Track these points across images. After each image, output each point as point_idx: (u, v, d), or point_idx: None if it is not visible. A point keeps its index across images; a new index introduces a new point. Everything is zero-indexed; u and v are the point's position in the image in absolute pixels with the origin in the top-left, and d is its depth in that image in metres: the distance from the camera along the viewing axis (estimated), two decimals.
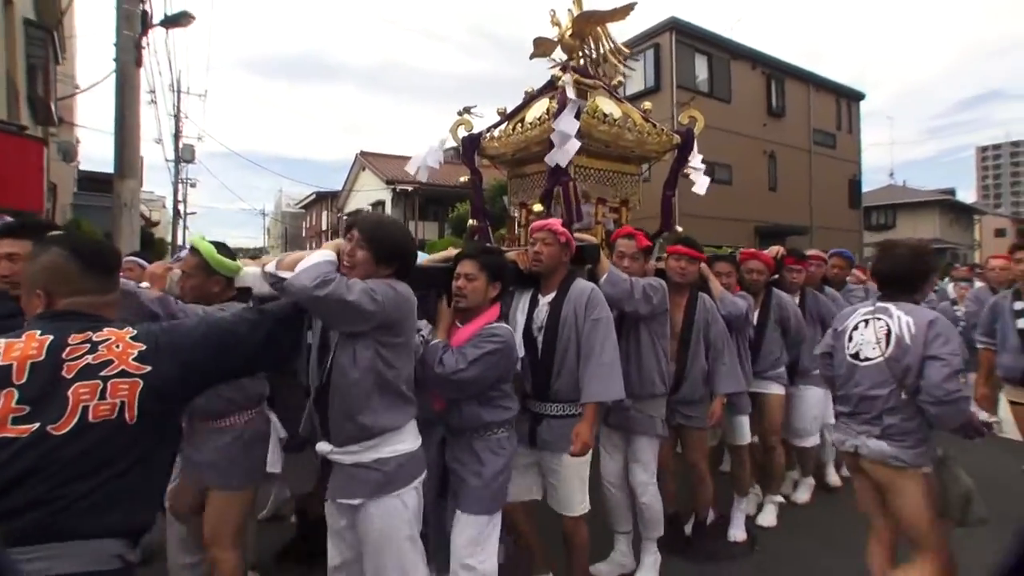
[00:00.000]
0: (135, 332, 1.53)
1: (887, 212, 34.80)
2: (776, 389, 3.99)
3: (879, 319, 2.61)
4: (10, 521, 1.27)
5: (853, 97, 25.81)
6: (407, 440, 2.18)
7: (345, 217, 32.18)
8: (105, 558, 1.36)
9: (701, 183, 4.14)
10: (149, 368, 1.47)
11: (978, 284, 6.45)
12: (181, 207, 23.68)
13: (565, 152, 3.37)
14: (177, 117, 20.53)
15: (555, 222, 2.91)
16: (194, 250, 2.55)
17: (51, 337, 1.42)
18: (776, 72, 22.02)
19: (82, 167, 17.70)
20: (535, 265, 2.86)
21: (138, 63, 8.00)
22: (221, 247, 2.59)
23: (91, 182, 16.28)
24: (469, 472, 2.48)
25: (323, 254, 2.06)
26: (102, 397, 1.39)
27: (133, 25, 7.88)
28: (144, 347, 1.50)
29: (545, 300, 2.85)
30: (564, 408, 2.75)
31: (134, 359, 1.46)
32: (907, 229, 32.62)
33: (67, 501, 1.31)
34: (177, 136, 20.49)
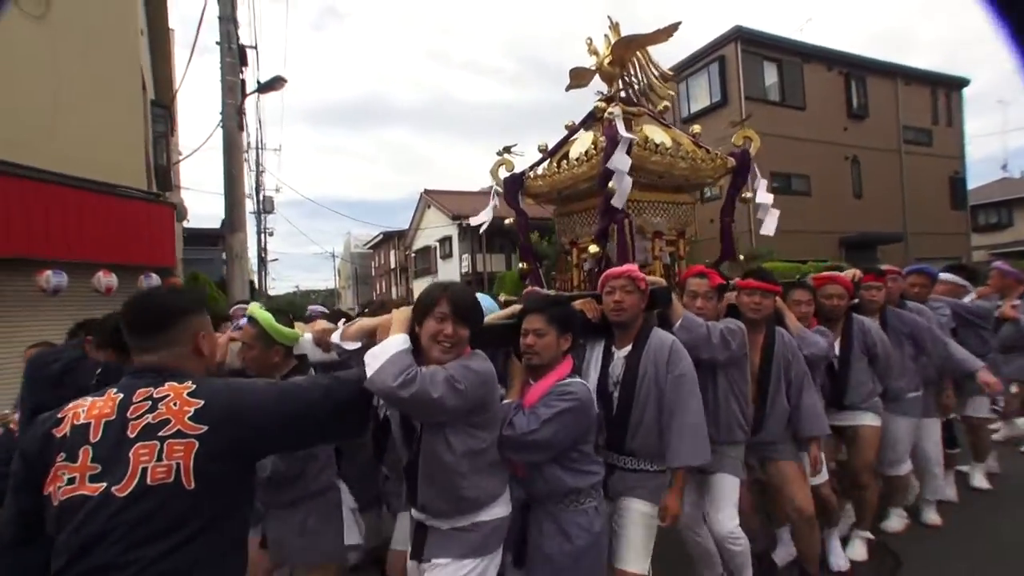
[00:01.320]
0: (194, 387, 1.44)
1: (1000, 210, 29.36)
2: (871, 420, 3.56)
3: None
4: None
5: (953, 85, 23.12)
6: (502, 504, 2.12)
7: (413, 255, 33.32)
8: None
9: (770, 221, 3.84)
10: (206, 428, 1.38)
11: None
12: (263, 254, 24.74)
13: (622, 192, 3.18)
14: (258, 172, 21.67)
15: (633, 268, 2.69)
16: (252, 320, 2.46)
17: (121, 395, 1.42)
18: (856, 70, 20.34)
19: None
20: (617, 316, 2.65)
21: (240, 127, 8.69)
22: (279, 315, 2.51)
23: (193, 238, 17.52)
24: (554, 546, 2.26)
25: (397, 343, 1.91)
26: (159, 459, 1.33)
27: (235, 94, 8.58)
28: (202, 404, 1.41)
29: (621, 354, 2.66)
30: (639, 463, 2.59)
31: (190, 418, 1.38)
32: None
33: (138, 567, 1.27)
34: (258, 189, 21.52)
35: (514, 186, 3.89)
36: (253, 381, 1.78)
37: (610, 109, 3.36)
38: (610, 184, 3.16)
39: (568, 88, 3.89)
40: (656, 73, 3.88)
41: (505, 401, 2.35)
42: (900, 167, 21.06)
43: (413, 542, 2.11)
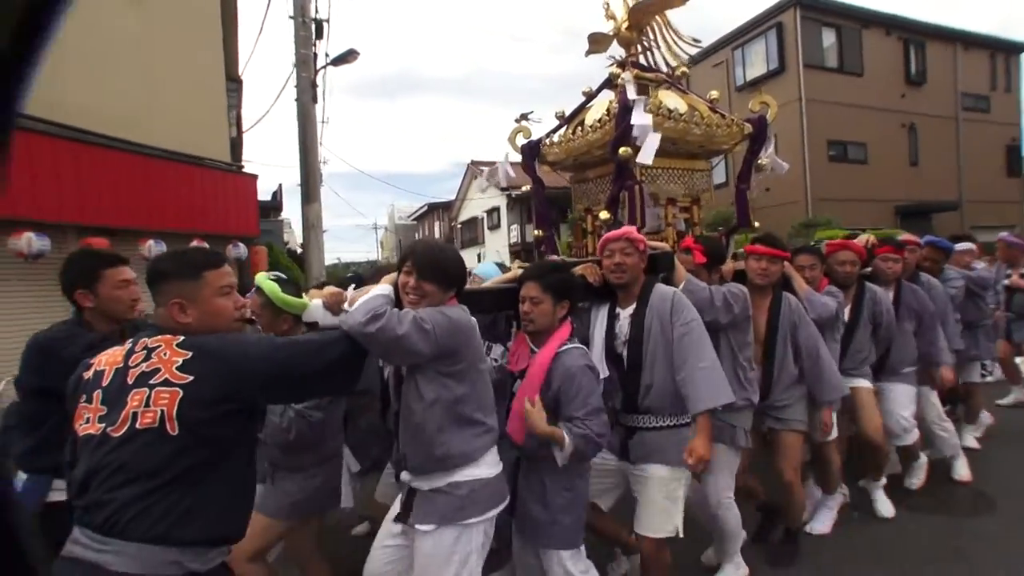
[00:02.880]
0: (182, 339, 1.50)
1: None
2: (863, 383, 3.54)
3: None
4: (91, 514, 1.36)
5: (1012, 50, 21.83)
6: (483, 466, 2.04)
7: (459, 226, 32.72)
8: (160, 564, 1.37)
9: (778, 165, 3.81)
10: (191, 378, 1.43)
11: None
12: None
13: (648, 149, 3.10)
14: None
15: (631, 230, 2.65)
16: (259, 290, 2.46)
17: (129, 344, 1.53)
18: (914, 36, 19.33)
19: None
20: (617, 278, 2.62)
21: (314, 100, 8.56)
22: (286, 284, 2.49)
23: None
24: (537, 507, 2.32)
25: (379, 289, 1.99)
26: (147, 405, 1.40)
27: (308, 68, 8.53)
28: (189, 355, 1.46)
29: (626, 313, 2.63)
30: (657, 420, 2.53)
31: (178, 368, 1.44)
32: None
33: (118, 504, 1.34)
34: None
35: (531, 153, 3.84)
36: (248, 335, 1.86)
37: (622, 75, 3.28)
38: (636, 141, 3.10)
39: (587, 54, 3.79)
40: (675, 38, 3.74)
41: (495, 360, 2.41)
42: (956, 135, 20.06)
43: (402, 505, 2.08)
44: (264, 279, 2.46)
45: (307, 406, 2.28)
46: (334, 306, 2.37)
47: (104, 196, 7.15)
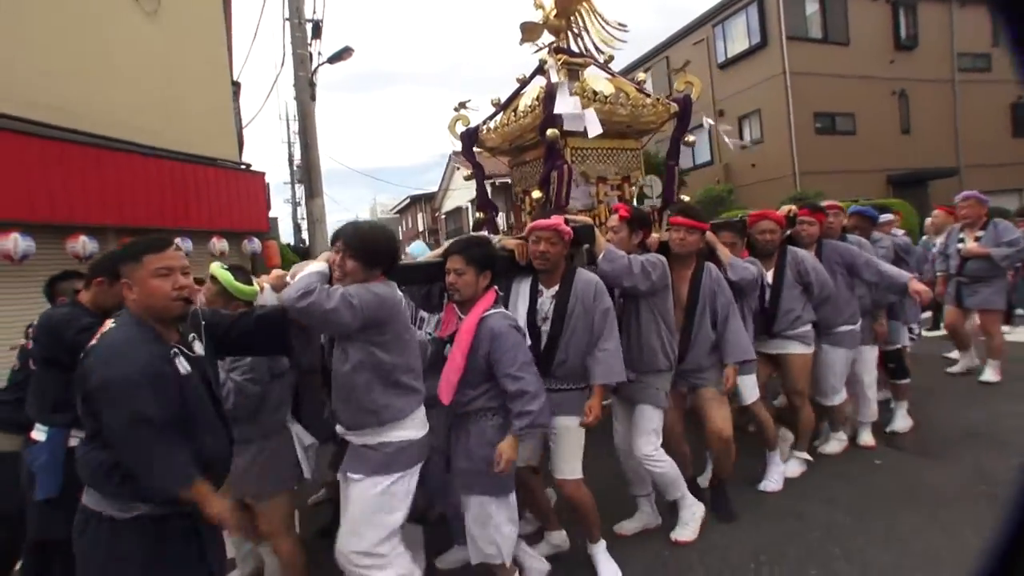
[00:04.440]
0: (112, 322, 1.72)
1: None
2: (798, 348, 3.55)
3: None
4: None
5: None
6: (410, 428, 2.20)
7: (443, 216, 32.32)
8: (98, 504, 1.65)
9: (733, 141, 3.98)
10: None
11: None
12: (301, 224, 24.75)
13: (592, 123, 3.21)
14: (289, 142, 21.59)
15: (558, 221, 2.71)
16: (213, 279, 2.55)
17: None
18: None
19: None
20: (541, 265, 2.72)
21: (313, 97, 8.61)
22: (238, 272, 2.58)
23: None
24: (463, 459, 2.47)
25: (314, 266, 2.13)
26: None
27: (305, 67, 8.54)
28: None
29: (549, 293, 2.75)
30: (564, 384, 2.72)
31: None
32: None
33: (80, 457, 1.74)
34: (291, 160, 21.20)
35: (469, 140, 3.94)
36: None
37: (549, 60, 3.35)
38: (562, 124, 3.20)
39: (521, 42, 3.79)
40: (602, 24, 3.77)
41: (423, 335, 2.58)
42: (953, 98, 18.64)
43: (336, 455, 2.28)
44: (218, 268, 2.55)
45: (245, 379, 2.37)
46: (279, 287, 2.45)
47: (138, 199, 7.52)
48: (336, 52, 9.10)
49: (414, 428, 2.21)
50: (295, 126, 29.80)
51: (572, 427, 2.67)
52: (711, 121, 3.75)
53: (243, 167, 9.94)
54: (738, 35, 17.98)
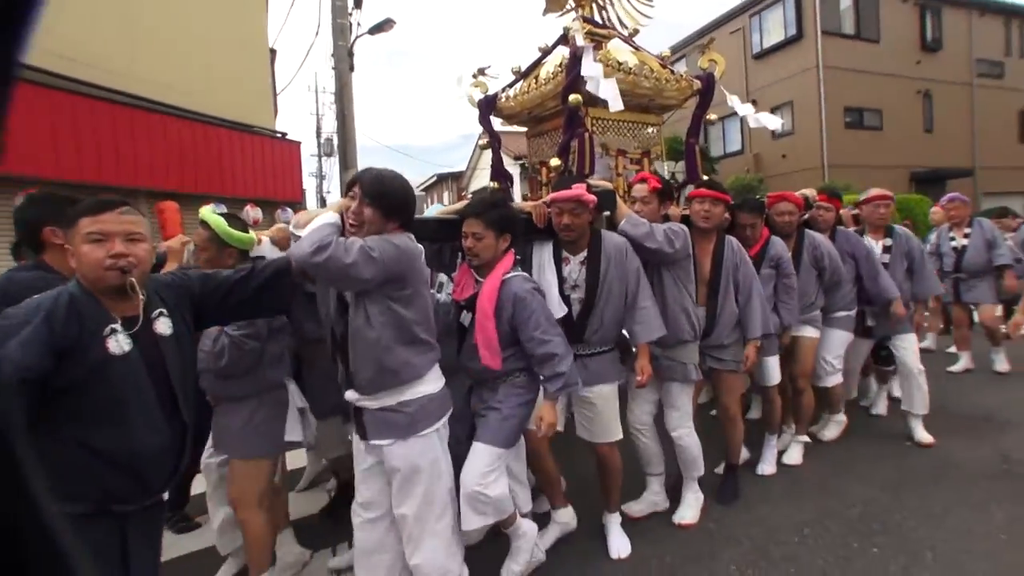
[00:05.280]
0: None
1: None
2: (811, 332, 3.58)
3: None
4: None
5: None
6: (429, 382, 2.08)
7: (470, 195, 31.46)
8: None
9: (769, 120, 3.70)
10: None
11: None
12: (326, 197, 24.09)
13: (611, 95, 3.07)
14: (318, 116, 21.20)
15: (581, 191, 2.59)
16: (205, 224, 2.34)
17: None
18: (931, 1, 18.21)
19: None
20: (567, 235, 2.64)
21: (351, 68, 8.36)
22: (232, 219, 2.40)
23: None
24: (489, 408, 2.37)
25: (325, 217, 1.92)
26: None
27: (345, 36, 8.30)
28: None
29: (578, 259, 2.67)
30: (599, 348, 2.67)
31: None
32: None
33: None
34: (319, 132, 20.92)
35: (487, 108, 3.79)
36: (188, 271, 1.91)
37: (573, 25, 3.22)
38: (587, 87, 3.08)
39: (544, 12, 3.74)
40: None
41: (443, 297, 2.49)
42: (971, 101, 18.99)
43: (355, 424, 2.13)
44: (209, 213, 2.36)
45: (243, 334, 2.23)
46: (282, 242, 2.40)
47: (171, 163, 7.28)
48: (377, 23, 8.90)
49: (432, 382, 2.09)
50: (324, 98, 28.26)
51: (606, 394, 2.64)
52: (745, 109, 3.57)
53: (279, 135, 9.71)
54: (774, 26, 17.93)
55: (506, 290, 2.29)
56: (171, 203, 6.90)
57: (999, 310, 5.29)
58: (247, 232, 2.41)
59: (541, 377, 2.34)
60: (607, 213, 2.83)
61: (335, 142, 20.30)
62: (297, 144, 10.23)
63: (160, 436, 1.55)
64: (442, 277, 2.73)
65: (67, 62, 5.90)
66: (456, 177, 34.19)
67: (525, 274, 2.43)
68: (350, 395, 2.08)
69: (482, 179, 28.80)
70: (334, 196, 21.99)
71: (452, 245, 2.65)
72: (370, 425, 2.06)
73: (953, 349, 5.70)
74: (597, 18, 3.66)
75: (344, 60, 8.22)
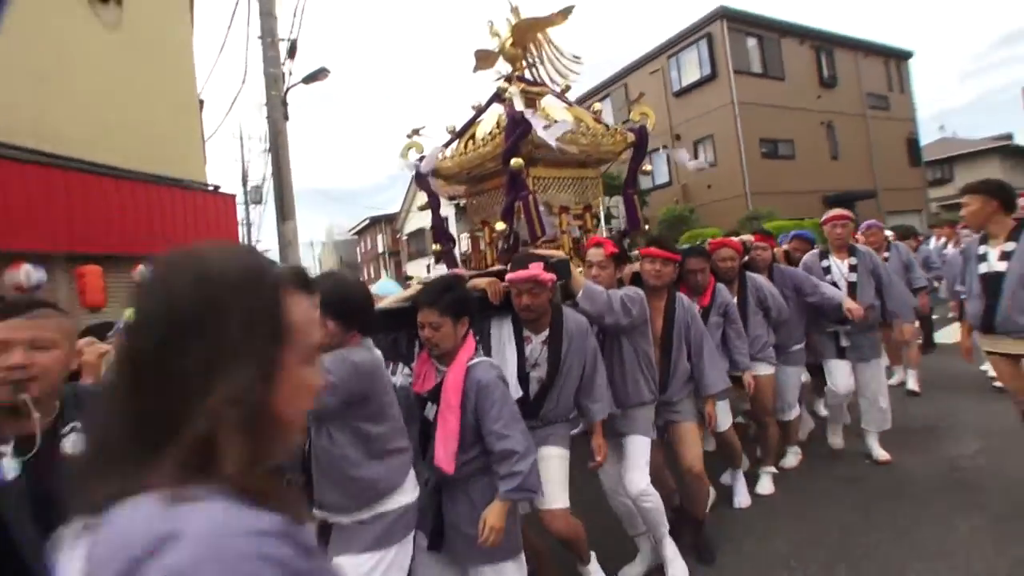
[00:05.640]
0: None
1: (943, 166, 30.20)
2: (765, 370, 3.63)
3: None
4: None
5: (901, 56, 23.69)
6: (406, 492, 1.93)
7: (405, 238, 30.86)
8: None
9: (690, 161, 3.83)
10: None
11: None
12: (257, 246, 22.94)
13: (560, 129, 3.04)
14: (243, 162, 20.64)
15: (538, 271, 2.48)
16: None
17: None
18: (824, 44, 20.41)
19: None
20: (527, 315, 2.55)
21: (286, 117, 8.19)
22: None
23: None
24: (469, 523, 2.12)
25: None
26: None
27: (278, 86, 8.14)
28: None
29: (539, 339, 2.58)
30: (551, 421, 2.61)
31: None
32: (967, 181, 27.47)
33: None
34: (244, 180, 19.98)
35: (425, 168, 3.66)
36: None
37: (509, 88, 3.20)
38: (549, 139, 2.99)
39: (475, 70, 3.71)
40: (558, 55, 3.69)
41: (400, 379, 2.31)
42: (867, 130, 21.33)
43: (317, 538, 1.90)
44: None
45: None
46: None
47: (95, 223, 6.82)
48: (312, 73, 8.74)
49: (409, 491, 1.93)
50: (249, 144, 27.83)
51: (556, 455, 2.51)
52: (669, 149, 3.85)
53: (211, 188, 9.28)
54: (691, 66, 19.13)
55: (470, 378, 2.14)
56: (93, 267, 6.60)
57: (916, 326, 5.53)
58: None
59: (497, 474, 2.13)
60: (561, 282, 2.73)
61: (264, 189, 19.89)
62: (231, 197, 9.88)
63: None
64: (400, 368, 2.59)
65: None
66: (390, 219, 33.78)
67: (491, 360, 2.31)
68: (318, 513, 1.89)
69: (416, 220, 28.62)
70: (263, 245, 21.04)
71: (408, 334, 2.50)
72: (337, 540, 1.86)
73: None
74: (528, 76, 3.65)
75: (278, 109, 8.05)
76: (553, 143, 2.99)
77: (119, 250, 6.98)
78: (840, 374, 3.88)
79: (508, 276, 2.55)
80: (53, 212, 6.34)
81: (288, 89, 8.23)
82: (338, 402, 1.71)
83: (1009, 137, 32.43)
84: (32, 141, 6.23)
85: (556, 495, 2.45)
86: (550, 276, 2.50)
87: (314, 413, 1.72)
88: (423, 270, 25.04)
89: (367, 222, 38.22)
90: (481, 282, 2.65)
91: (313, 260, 43.69)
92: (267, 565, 0.52)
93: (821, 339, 3.97)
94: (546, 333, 2.56)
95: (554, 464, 2.50)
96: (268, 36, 8.02)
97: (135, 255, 6.94)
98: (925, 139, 25.61)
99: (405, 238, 31.21)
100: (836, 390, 3.90)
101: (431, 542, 2.19)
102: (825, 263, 3.92)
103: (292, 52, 8.44)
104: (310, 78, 8.74)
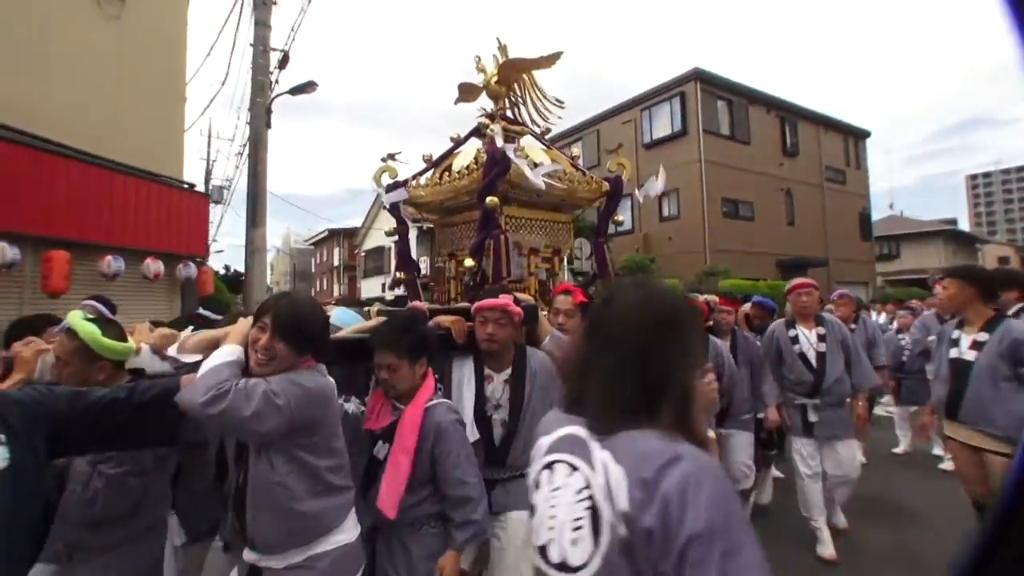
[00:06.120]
0: None
1: (891, 243, 31.53)
2: (708, 432, 3.38)
3: None
4: None
5: (860, 135, 25.07)
6: (344, 531, 1.78)
7: (363, 254, 30.30)
8: None
9: (654, 187, 3.63)
10: None
11: (927, 311, 6.13)
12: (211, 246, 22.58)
13: (543, 172, 3.01)
14: (208, 162, 20.14)
15: (507, 301, 2.42)
16: (71, 333, 1.84)
17: None
18: (789, 115, 21.48)
19: None
20: (490, 347, 2.43)
21: (267, 125, 8.23)
22: (108, 324, 1.94)
23: None
24: (401, 570, 2.01)
25: (225, 353, 1.63)
26: None
27: (264, 93, 8.21)
28: None
29: (501, 377, 2.45)
30: (518, 471, 2.35)
31: None
32: (912, 259, 30.37)
33: None
34: (207, 179, 19.52)
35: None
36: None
37: (491, 126, 3.15)
38: (531, 182, 2.95)
39: (456, 102, 3.64)
40: (541, 96, 3.68)
41: (352, 407, 2.16)
42: (823, 201, 22.26)
43: None
44: (78, 318, 1.87)
45: (123, 471, 1.79)
46: (162, 350, 1.97)
47: (67, 208, 6.66)
48: (300, 85, 8.81)
49: (348, 531, 1.79)
50: (218, 144, 26.81)
51: (525, 521, 2.32)
52: (650, 187, 3.55)
53: (186, 186, 9.22)
54: (662, 121, 19.73)
55: (428, 419, 2.03)
56: (60, 252, 6.45)
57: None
58: (124, 340, 1.92)
59: (451, 521, 2.02)
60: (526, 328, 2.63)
61: (226, 190, 19.35)
62: (205, 198, 9.85)
63: None
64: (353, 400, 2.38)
65: None
66: (349, 233, 33.04)
67: (448, 402, 2.20)
68: (248, 555, 1.72)
69: (376, 238, 27.93)
70: (221, 243, 20.35)
71: (365, 367, 2.33)
72: None
73: None
74: (509, 114, 3.61)
75: (261, 116, 8.08)
76: (540, 183, 2.94)
77: (91, 238, 6.88)
78: (803, 454, 3.70)
79: (477, 304, 2.46)
80: (29, 192, 6.21)
81: (274, 98, 8.33)
82: (283, 427, 1.60)
83: (954, 222, 34.89)
84: (11, 119, 6.14)
85: (518, 570, 2.19)
86: (517, 309, 2.42)
87: (256, 438, 1.64)
88: (378, 288, 24.56)
89: (326, 233, 37.46)
90: (445, 320, 2.53)
91: (265, 266, 41.77)
92: (726, 482, 0.90)
93: (789, 412, 3.85)
94: (508, 372, 2.44)
95: (521, 529, 2.23)
96: (260, 44, 8.12)
97: (105, 245, 6.97)
98: (875, 215, 26.94)
99: (363, 254, 30.57)
100: (799, 469, 3.73)
101: None
102: (792, 332, 3.78)
103: (283, 63, 8.57)
104: (298, 90, 8.79)
